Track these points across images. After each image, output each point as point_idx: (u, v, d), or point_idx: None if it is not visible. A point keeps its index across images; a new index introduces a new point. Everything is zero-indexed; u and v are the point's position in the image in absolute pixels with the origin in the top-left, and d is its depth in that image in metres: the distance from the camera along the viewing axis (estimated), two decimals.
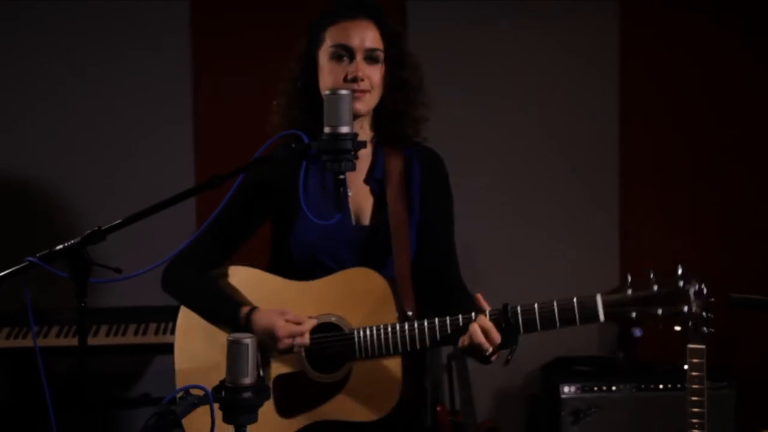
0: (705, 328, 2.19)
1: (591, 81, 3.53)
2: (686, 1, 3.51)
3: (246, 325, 1.75)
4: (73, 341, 2.97)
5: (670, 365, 3.26)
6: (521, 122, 3.52)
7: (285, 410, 1.79)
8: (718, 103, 3.54)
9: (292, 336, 1.73)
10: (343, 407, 1.76)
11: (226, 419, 1.37)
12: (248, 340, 1.38)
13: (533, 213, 3.53)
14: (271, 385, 1.80)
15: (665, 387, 3.16)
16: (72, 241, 1.50)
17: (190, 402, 1.34)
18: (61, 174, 3.33)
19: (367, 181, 1.87)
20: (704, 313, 1.66)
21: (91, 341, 2.95)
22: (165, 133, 3.38)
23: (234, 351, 1.37)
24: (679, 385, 3.18)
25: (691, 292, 1.62)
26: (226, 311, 1.78)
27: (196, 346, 1.83)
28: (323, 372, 1.78)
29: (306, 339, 1.74)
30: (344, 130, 1.49)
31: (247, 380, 1.37)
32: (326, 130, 1.49)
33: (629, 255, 3.54)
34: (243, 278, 1.85)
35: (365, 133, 1.86)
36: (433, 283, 1.86)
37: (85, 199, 3.33)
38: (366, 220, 1.86)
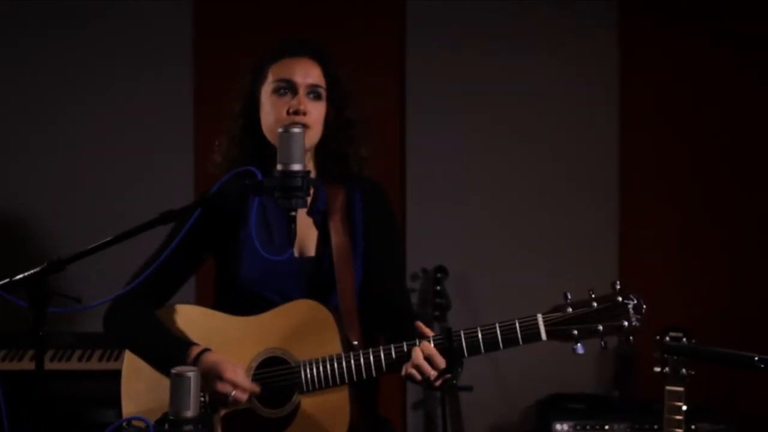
0: (684, 370, 2.18)
1: (591, 97, 3.52)
2: (684, 16, 3.49)
3: (197, 363, 1.75)
4: (68, 365, 3.02)
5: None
6: (521, 139, 3.51)
7: None
8: (718, 115, 3.51)
9: (234, 384, 1.74)
10: None
11: None
12: (191, 373, 1.40)
13: (532, 233, 3.52)
14: (219, 423, 1.80)
15: (661, 426, 3.10)
16: (32, 271, 1.54)
17: None
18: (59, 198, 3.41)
19: (309, 213, 1.89)
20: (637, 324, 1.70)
21: (85, 365, 3.00)
22: (166, 160, 3.44)
23: (177, 384, 1.39)
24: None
25: (630, 306, 1.67)
26: (172, 349, 1.78)
27: (140, 390, 1.82)
28: (271, 407, 1.79)
29: (244, 397, 1.75)
30: (296, 167, 1.52)
31: (189, 413, 1.39)
32: (278, 167, 1.52)
33: (629, 271, 3.49)
34: (185, 316, 1.86)
35: (308, 167, 1.87)
36: (383, 312, 1.87)
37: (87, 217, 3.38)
38: (310, 251, 1.88)
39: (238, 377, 1.74)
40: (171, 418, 1.38)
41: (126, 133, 3.43)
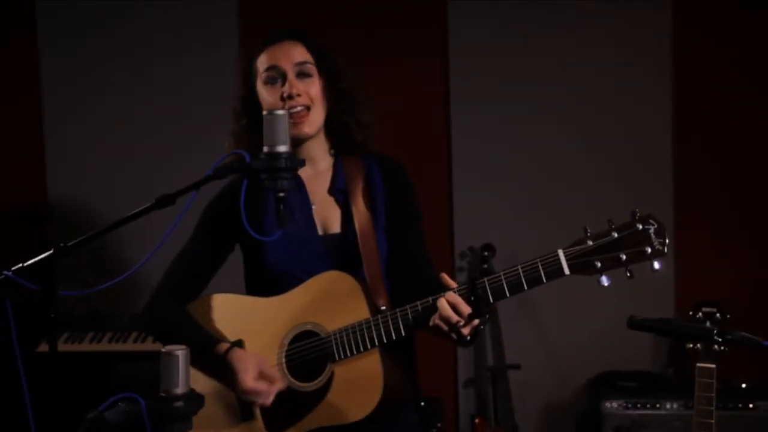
0: (716, 347, 2.09)
1: (643, 75, 3.41)
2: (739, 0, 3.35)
3: (223, 364, 1.81)
4: (125, 346, 3.16)
5: (723, 383, 3.10)
6: (570, 117, 3.43)
7: (273, 425, 1.83)
8: None
9: (256, 394, 1.78)
10: (328, 412, 1.79)
11: (160, 429, 1.44)
12: (180, 351, 1.44)
13: (580, 210, 3.40)
14: (256, 404, 1.83)
15: (716, 406, 2.99)
16: (41, 256, 1.62)
17: (122, 410, 1.42)
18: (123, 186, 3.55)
19: (331, 192, 1.91)
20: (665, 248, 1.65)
21: (140, 347, 3.13)
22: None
23: (166, 362, 1.44)
24: (731, 405, 3.02)
25: (651, 231, 1.63)
26: (204, 344, 1.83)
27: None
28: (306, 380, 1.81)
29: (268, 401, 1.79)
30: (281, 149, 1.53)
31: (179, 390, 1.44)
32: (264, 149, 1.54)
33: (684, 252, 3.38)
34: (217, 305, 1.91)
35: (321, 145, 1.91)
36: (409, 284, 1.87)
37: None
38: (335, 228, 1.90)
39: (257, 385, 1.78)
40: (162, 395, 1.44)
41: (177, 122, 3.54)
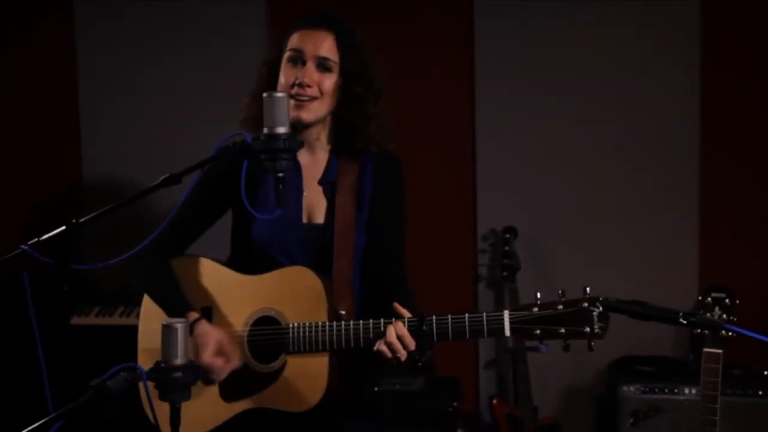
0: (723, 332, 2.09)
1: (671, 78, 3.38)
2: None
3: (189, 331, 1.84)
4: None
5: (743, 370, 3.08)
6: (596, 101, 3.42)
7: (228, 395, 1.92)
8: None
9: (211, 371, 1.86)
10: (275, 396, 1.87)
11: (161, 397, 1.51)
12: (179, 324, 1.51)
13: (605, 195, 3.43)
14: None
15: (734, 393, 2.98)
16: (54, 231, 1.70)
17: (124, 378, 1.49)
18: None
19: (320, 182, 1.96)
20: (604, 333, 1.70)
21: None
22: None
23: (166, 334, 1.51)
24: (750, 392, 2.99)
25: (594, 314, 1.66)
26: (178, 307, 1.91)
27: (156, 329, 1.95)
28: (262, 362, 1.89)
29: (221, 377, 1.87)
30: (280, 130, 1.58)
31: (178, 361, 1.50)
32: (264, 130, 1.59)
33: (708, 241, 3.37)
34: (198, 268, 1.98)
35: (322, 142, 1.96)
36: (378, 284, 1.93)
37: None
38: (319, 219, 1.95)
39: (213, 361, 1.85)
40: (162, 365, 1.50)
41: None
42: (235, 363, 1.87)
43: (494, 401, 3.31)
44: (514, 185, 3.48)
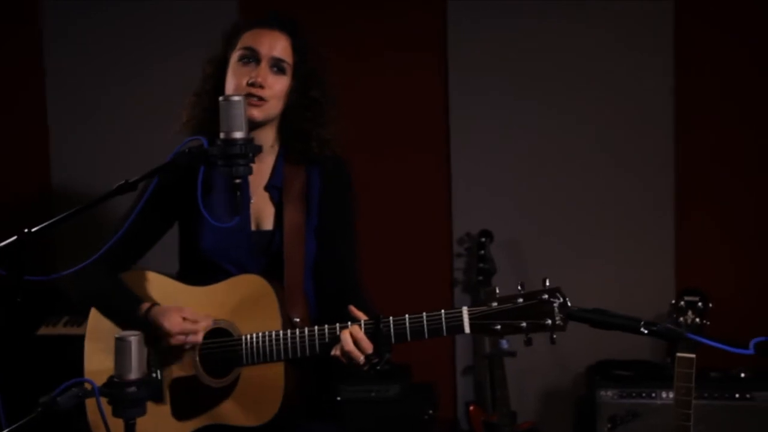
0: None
1: (644, 73, 3.35)
2: None
3: (145, 320, 1.81)
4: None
5: (722, 373, 3.06)
6: (570, 102, 3.39)
7: (179, 413, 1.86)
8: None
9: (185, 333, 1.78)
10: (229, 412, 1.81)
11: (115, 413, 1.45)
12: (133, 337, 1.46)
13: (582, 198, 3.40)
14: (167, 388, 1.87)
15: (711, 396, 2.96)
16: (6, 242, 1.64)
17: (74, 394, 1.43)
18: None
19: (267, 188, 1.90)
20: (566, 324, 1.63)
21: None
22: None
23: (120, 348, 1.46)
24: (727, 395, 2.97)
25: (555, 305, 1.62)
26: (127, 307, 1.85)
27: (102, 348, 1.90)
28: (215, 376, 1.83)
29: (198, 337, 1.80)
30: (237, 135, 1.54)
31: (132, 375, 1.45)
32: (221, 135, 1.54)
33: (684, 256, 3.35)
34: (144, 281, 1.92)
35: (269, 141, 1.89)
36: (332, 290, 1.88)
37: None
38: (267, 225, 1.89)
39: (188, 325, 1.79)
40: (115, 380, 1.45)
41: None
42: (205, 322, 1.80)
43: (471, 408, 3.27)
44: (490, 188, 3.45)
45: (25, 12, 3.55)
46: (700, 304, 2.08)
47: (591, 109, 3.39)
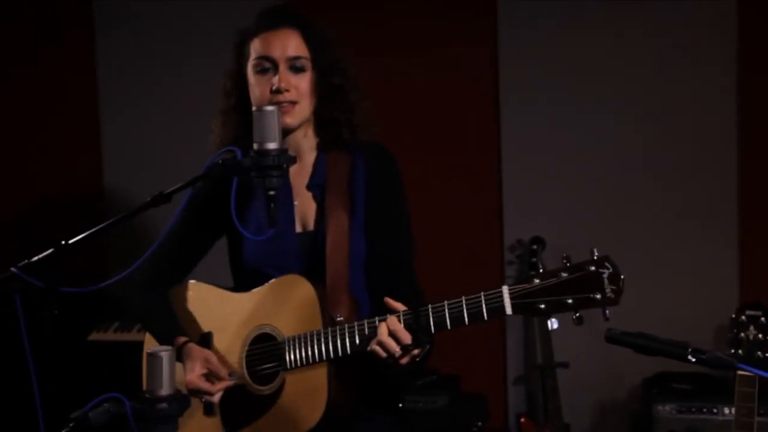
0: (759, 353, 1.94)
1: (704, 77, 3.21)
2: None
3: (178, 356, 1.80)
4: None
5: None
6: (625, 107, 3.27)
7: (230, 424, 1.82)
8: None
9: (199, 392, 1.76)
10: (277, 420, 1.76)
11: (145, 430, 1.43)
12: (164, 353, 1.43)
13: (640, 223, 3.28)
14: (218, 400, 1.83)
15: None
16: (43, 254, 1.63)
17: (106, 410, 1.41)
18: None
19: (308, 187, 1.84)
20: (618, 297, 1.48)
21: None
22: None
23: (151, 363, 1.43)
24: None
25: (605, 276, 1.46)
26: (164, 336, 1.85)
27: None
28: (263, 383, 1.78)
29: (214, 399, 1.77)
30: (271, 146, 1.50)
31: (164, 391, 1.42)
32: (254, 146, 1.51)
33: (748, 268, 3.20)
34: (193, 295, 1.90)
35: (309, 140, 1.84)
36: (386, 287, 1.78)
37: None
38: (311, 226, 1.84)
39: (199, 383, 1.77)
40: (147, 396, 1.43)
41: None
42: (225, 383, 1.77)
43: (522, 419, 3.18)
44: (542, 194, 3.35)
45: (78, 14, 3.60)
46: (762, 319, 1.96)
47: (649, 113, 3.26)
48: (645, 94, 3.26)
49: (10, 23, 3.63)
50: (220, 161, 1.53)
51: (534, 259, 3.21)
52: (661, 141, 3.27)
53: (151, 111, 3.57)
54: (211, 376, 1.78)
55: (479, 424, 3.01)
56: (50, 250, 1.62)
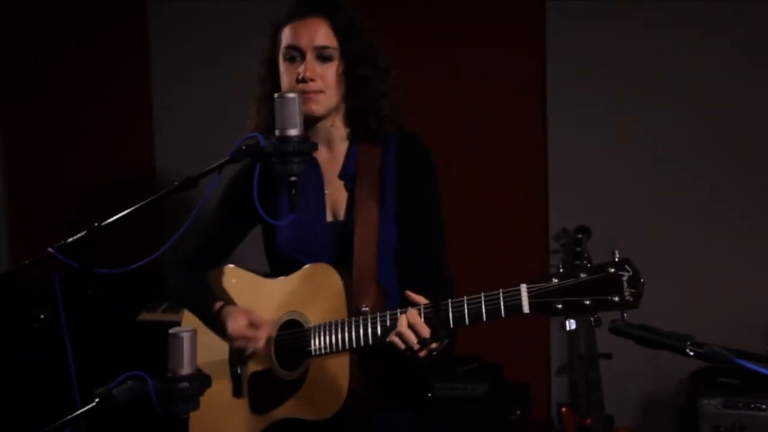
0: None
1: (754, 70, 3.12)
2: None
3: (216, 319, 1.84)
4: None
5: None
6: (675, 95, 3.20)
7: (257, 406, 1.85)
8: None
9: (246, 338, 1.79)
10: (300, 405, 1.78)
11: (167, 408, 1.46)
12: (185, 333, 1.46)
13: (688, 214, 3.20)
14: (246, 382, 1.88)
15: None
16: (78, 235, 1.69)
17: (129, 387, 1.45)
18: None
19: (340, 176, 1.85)
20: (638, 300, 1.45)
21: None
22: None
23: (172, 343, 1.47)
24: None
25: (624, 279, 1.43)
26: (202, 304, 1.88)
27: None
28: (289, 369, 1.81)
29: (259, 344, 1.79)
30: (292, 132, 1.51)
31: (185, 371, 1.46)
32: (276, 133, 1.52)
33: None
34: (228, 279, 1.94)
35: (339, 130, 1.85)
36: (413, 276, 1.79)
37: None
38: (342, 215, 1.85)
39: (245, 331, 1.79)
40: (169, 375, 1.46)
41: None
42: (268, 329, 1.80)
43: (563, 410, 3.15)
44: (588, 182, 3.30)
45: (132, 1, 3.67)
46: None
47: (696, 104, 3.18)
48: (696, 88, 3.18)
49: (61, 4, 3.71)
50: (244, 147, 1.55)
51: (579, 249, 3.16)
52: (710, 136, 3.18)
53: (203, 92, 3.59)
54: (253, 325, 1.81)
55: (518, 412, 2.99)
56: (83, 232, 1.67)
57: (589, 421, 3.05)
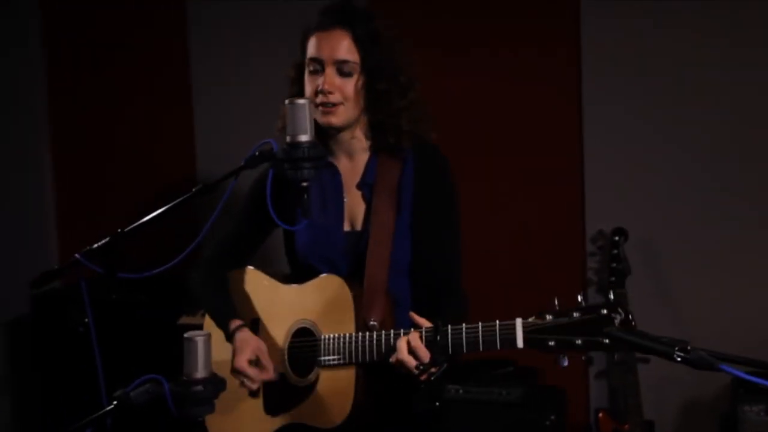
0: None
1: None
2: None
3: (230, 338, 1.89)
4: None
5: None
6: (714, 96, 3.12)
7: (270, 408, 1.89)
8: None
9: (243, 376, 1.84)
10: (308, 412, 1.81)
11: (182, 411, 1.50)
12: (200, 337, 1.49)
13: (729, 216, 3.12)
14: (262, 383, 1.90)
15: None
16: (102, 242, 1.74)
17: (146, 390, 1.49)
18: None
19: (359, 186, 1.87)
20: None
21: None
22: None
23: (187, 347, 1.50)
24: None
25: (616, 321, 1.44)
26: (220, 319, 1.93)
27: (215, 339, 1.93)
28: (301, 375, 1.84)
29: (253, 387, 1.84)
30: (303, 138, 1.53)
31: (199, 374, 1.49)
32: (287, 139, 1.54)
33: None
34: (251, 281, 1.98)
35: (360, 141, 1.87)
36: (425, 289, 1.81)
37: None
38: (359, 225, 1.87)
39: (247, 369, 1.84)
40: (184, 378, 1.49)
41: None
42: (269, 375, 1.84)
43: (600, 415, 3.10)
44: (625, 183, 3.24)
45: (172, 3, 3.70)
46: None
47: (735, 106, 3.10)
48: (735, 89, 3.10)
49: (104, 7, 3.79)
50: (257, 153, 1.58)
51: (615, 251, 3.12)
52: (749, 137, 3.09)
53: (244, 94, 3.61)
54: (258, 364, 1.85)
55: (552, 417, 2.95)
56: (108, 238, 1.72)
57: (627, 426, 3.01)
